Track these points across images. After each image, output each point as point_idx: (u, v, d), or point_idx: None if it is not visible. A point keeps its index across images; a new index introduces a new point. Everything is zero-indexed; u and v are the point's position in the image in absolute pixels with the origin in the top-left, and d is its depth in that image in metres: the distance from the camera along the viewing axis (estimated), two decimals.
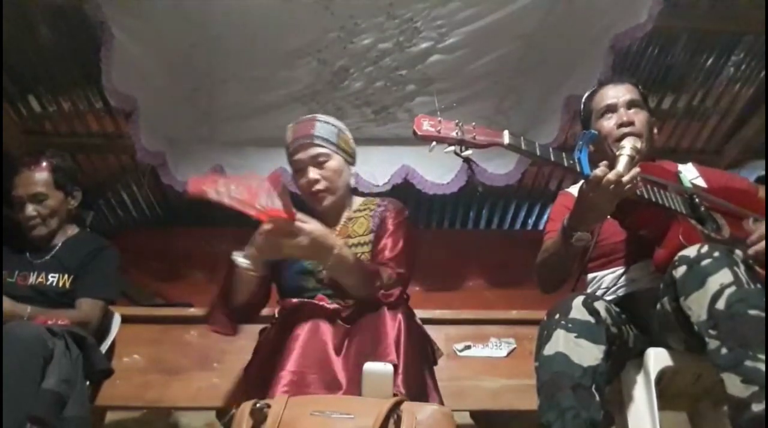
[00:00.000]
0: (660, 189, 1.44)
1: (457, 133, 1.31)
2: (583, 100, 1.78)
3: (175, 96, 2.74)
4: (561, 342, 1.29)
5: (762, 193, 1.66)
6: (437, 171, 2.99)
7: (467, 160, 1.32)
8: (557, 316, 1.34)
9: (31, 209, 1.98)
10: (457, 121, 1.32)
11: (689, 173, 1.67)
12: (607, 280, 1.60)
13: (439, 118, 1.32)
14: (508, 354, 2.11)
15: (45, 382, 1.53)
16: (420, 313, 2.04)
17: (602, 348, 1.28)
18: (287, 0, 2.28)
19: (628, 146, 1.44)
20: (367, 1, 2.32)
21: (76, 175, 2.12)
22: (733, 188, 1.64)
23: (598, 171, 1.32)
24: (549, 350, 1.30)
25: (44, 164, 2.02)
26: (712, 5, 2.64)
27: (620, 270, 1.58)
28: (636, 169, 1.36)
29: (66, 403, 1.56)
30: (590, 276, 1.67)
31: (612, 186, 1.32)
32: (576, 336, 1.29)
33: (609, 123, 1.65)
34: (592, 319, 1.32)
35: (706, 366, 1.33)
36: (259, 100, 2.78)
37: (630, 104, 1.66)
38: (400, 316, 1.45)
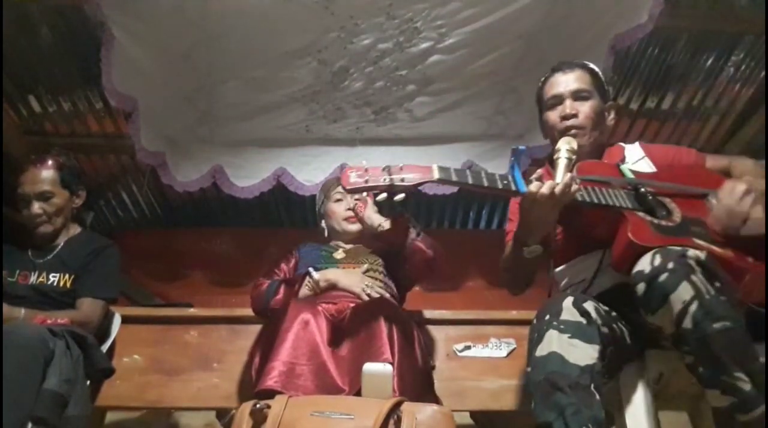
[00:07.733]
0: (602, 187, 1.42)
1: (384, 179, 1.27)
2: (538, 87, 1.72)
3: (175, 96, 2.73)
4: (554, 342, 1.27)
5: (710, 162, 1.63)
6: None
7: (401, 215, 1.36)
8: (547, 317, 1.31)
9: (36, 207, 1.98)
10: (384, 165, 1.28)
11: (635, 154, 1.63)
12: (573, 271, 1.57)
13: (365, 166, 1.28)
14: (508, 354, 2.10)
15: (46, 382, 1.53)
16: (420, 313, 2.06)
17: (596, 347, 1.27)
18: (287, 0, 2.28)
19: (563, 148, 1.43)
20: (367, 1, 2.32)
21: (81, 174, 2.14)
22: (680, 165, 1.61)
23: (532, 187, 1.32)
24: (542, 350, 1.27)
25: (51, 163, 2.02)
26: (712, 5, 2.64)
27: (581, 258, 1.55)
28: (569, 176, 1.35)
29: (67, 403, 1.57)
30: (556, 270, 1.64)
31: (547, 199, 1.31)
32: (570, 337, 1.27)
33: (554, 114, 1.61)
34: (583, 320, 1.30)
35: None
36: (259, 100, 2.78)
37: (576, 94, 1.60)
38: (395, 317, 1.46)
